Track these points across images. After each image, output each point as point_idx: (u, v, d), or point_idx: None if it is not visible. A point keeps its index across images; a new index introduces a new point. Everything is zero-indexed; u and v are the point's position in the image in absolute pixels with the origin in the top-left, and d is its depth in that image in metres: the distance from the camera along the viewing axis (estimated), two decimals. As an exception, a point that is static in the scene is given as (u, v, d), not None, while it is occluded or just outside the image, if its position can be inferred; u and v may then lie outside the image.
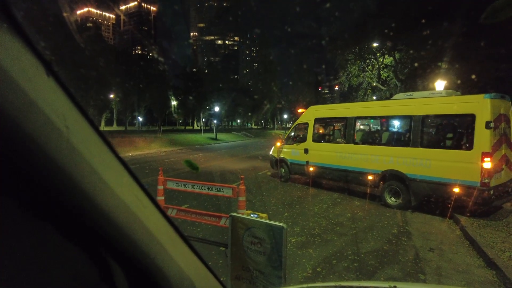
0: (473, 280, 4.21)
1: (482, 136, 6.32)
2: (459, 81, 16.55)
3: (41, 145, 0.48)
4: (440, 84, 13.43)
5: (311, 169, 9.92)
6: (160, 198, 5.90)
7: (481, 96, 6.53)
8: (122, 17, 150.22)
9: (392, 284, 1.20)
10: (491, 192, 6.27)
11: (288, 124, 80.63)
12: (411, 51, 22.39)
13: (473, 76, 16.07)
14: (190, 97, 50.69)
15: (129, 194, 0.69)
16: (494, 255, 4.64)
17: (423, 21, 18.82)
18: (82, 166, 0.55)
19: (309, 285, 1.54)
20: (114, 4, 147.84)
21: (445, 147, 7.21)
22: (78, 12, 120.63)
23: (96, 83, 31.45)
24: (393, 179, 7.83)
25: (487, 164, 6.22)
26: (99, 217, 0.61)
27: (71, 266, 0.65)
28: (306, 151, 10.15)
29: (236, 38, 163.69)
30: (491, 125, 6.26)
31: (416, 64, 21.64)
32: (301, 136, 10.70)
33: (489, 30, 16.37)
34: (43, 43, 23.89)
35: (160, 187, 5.92)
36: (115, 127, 55.67)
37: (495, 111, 6.50)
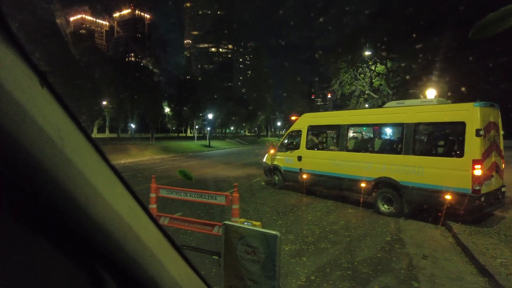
0: (466, 287, 4.22)
1: (473, 144, 6.41)
2: (449, 93, 16.92)
3: (35, 157, 0.47)
4: (431, 93, 13.64)
5: (304, 176, 9.93)
6: (153, 206, 5.85)
7: (471, 104, 6.64)
8: (116, 24, 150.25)
9: None
10: (482, 199, 6.33)
11: (282, 132, 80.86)
12: (402, 63, 22.89)
13: (463, 89, 16.45)
14: (184, 105, 50.64)
15: (123, 204, 0.68)
16: (486, 262, 4.67)
17: (414, 34, 19.30)
18: (77, 178, 0.55)
19: None
20: (108, 11, 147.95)
21: (437, 154, 7.29)
22: (72, 19, 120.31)
23: (89, 90, 31.24)
24: (386, 187, 7.87)
25: (478, 171, 6.30)
26: (92, 228, 0.61)
27: (62, 277, 0.63)
28: (299, 158, 10.17)
29: (230, 47, 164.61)
30: (481, 132, 6.35)
31: (407, 77, 22.10)
32: (294, 143, 10.73)
33: (478, 44, 16.82)
34: (38, 54, 23.75)
35: (153, 195, 5.87)
36: (107, 134, 55.20)
37: (485, 119, 6.61)
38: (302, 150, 10.19)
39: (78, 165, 0.55)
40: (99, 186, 0.60)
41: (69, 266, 0.64)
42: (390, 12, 23.95)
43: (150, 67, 47.48)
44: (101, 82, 32.38)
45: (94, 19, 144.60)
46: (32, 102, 0.47)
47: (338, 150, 9.19)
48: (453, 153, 6.87)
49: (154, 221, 0.80)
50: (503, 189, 7.32)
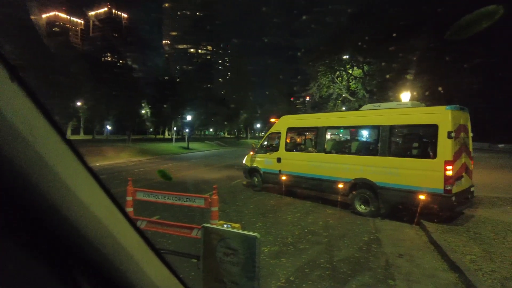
0: (439, 283, 4.37)
1: (445, 146, 6.66)
2: (427, 93, 17.46)
3: (4, 155, 0.45)
4: (405, 96, 14.08)
5: (284, 178, 9.99)
6: (130, 210, 5.71)
7: (443, 107, 6.90)
8: (91, 23, 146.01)
9: None
10: (454, 198, 6.58)
11: (262, 134, 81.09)
12: (383, 63, 23.48)
13: (440, 88, 17.02)
14: (162, 106, 49.82)
15: (100, 207, 0.66)
16: (457, 258, 4.86)
17: (392, 35, 19.83)
18: (51, 178, 0.52)
19: None
20: (83, 9, 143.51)
21: (411, 156, 7.52)
22: (44, 16, 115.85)
23: (61, 89, 30.09)
24: (363, 187, 8.04)
25: (449, 172, 6.55)
26: (68, 230, 0.58)
27: (36, 281, 0.60)
28: (279, 160, 10.23)
29: (210, 48, 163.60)
30: (452, 135, 6.61)
31: (387, 76, 22.67)
32: (274, 145, 10.79)
33: (453, 46, 17.49)
34: (9, 47, 22.64)
35: (129, 198, 5.73)
36: (82, 136, 53.47)
37: (456, 122, 6.88)
38: (282, 152, 10.25)
39: (52, 164, 0.52)
40: (76, 187, 0.58)
41: (43, 268, 0.61)
42: (367, 15, 24.58)
43: (127, 67, 46.42)
44: (74, 81, 31.23)
45: (69, 17, 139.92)
46: (0, 96, 0.44)
47: (316, 152, 9.31)
48: (426, 155, 7.11)
49: (133, 224, 0.78)
50: (472, 189, 7.65)
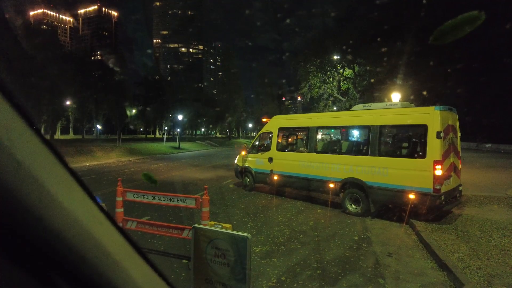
0: (427, 281, 4.43)
1: (434, 146, 6.74)
2: (412, 97, 17.80)
3: None
4: (395, 96, 14.24)
5: (275, 177, 10.00)
6: (119, 210, 5.63)
7: (432, 108, 6.99)
8: (81, 21, 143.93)
9: None
10: (442, 197, 6.67)
11: (253, 134, 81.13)
12: (368, 67, 23.83)
13: (424, 92, 17.35)
14: (152, 106, 49.37)
15: (82, 209, 0.64)
16: (445, 257, 4.93)
17: (379, 39, 20.16)
18: (28, 182, 0.50)
19: None
20: (73, 7, 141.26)
21: (401, 155, 7.60)
22: (32, 13, 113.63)
23: (51, 89, 29.56)
24: (353, 187, 8.10)
25: (438, 171, 6.63)
26: (46, 234, 0.56)
27: (12, 286, 0.58)
28: (270, 160, 10.23)
29: (201, 47, 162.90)
30: (441, 135, 6.70)
31: (372, 80, 23.02)
32: (265, 145, 10.79)
33: (438, 50, 17.87)
34: None
35: (119, 199, 5.65)
36: (71, 136, 52.78)
37: (444, 122, 6.98)
38: (273, 151, 10.26)
39: (30, 168, 0.51)
40: (55, 190, 0.56)
41: (20, 274, 0.59)
42: (356, 17, 24.89)
43: (116, 66, 45.81)
44: (63, 80, 30.64)
45: (57, 15, 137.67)
46: None
47: (307, 152, 9.34)
48: (415, 155, 7.19)
49: (117, 226, 0.76)
50: (460, 188, 7.78)
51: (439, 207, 6.81)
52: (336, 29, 27.38)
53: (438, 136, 6.66)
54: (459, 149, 7.86)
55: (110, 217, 0.73)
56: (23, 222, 0.52)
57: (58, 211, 0.57)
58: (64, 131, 54.70)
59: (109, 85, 40.97)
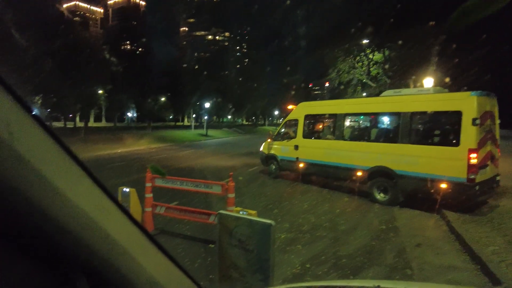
0: (458, 274, 4.28)
1: (469, 133, 6.42)
2: (447, 79, 16.89)
3: None
4: (428, 82, 13.59)
5: (301, 165, 9.95)
6: (149, 196, 5.83)
7: (467, 93, 6.63)
8: (111, 11, 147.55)
9: (376, 283, 1.19)
10: (477, 187, 6.38)
11: (279, 120, 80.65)
12: (398, 53, 22.90)
13: (447, 80, 16.56)
14: (180, 94, 50.25)
15: (90, 201, 0.64)
16: (479, 250, 4.73)
17: (411, 22, 19.36)
18: (30, 176, 0.50)
19: (294, 285, 1.52)
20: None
21: (432, 143, 7.30)
22: (65, 6, 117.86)
23: (85, 79, 30.78)
24: (382, 175, 7.90)
25: (473, 160, 6.33)
26: (52, 228, 0.56)
27: (29, 283, 0.60)
28: (296, 147, 10.16)
29: (227, 34, 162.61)
30: (477, 122, 6.36)
31: (404, 63, 22.11)
32: (291, 132, 10.71)
33: (480, 31, 16.83)
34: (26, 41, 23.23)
35: (148, 185, 5.84)
36: (104, 124, 54.88)
37: (481, 109, 6.60)
38: (299, 139, 10.17)
39: (32, 161, 0.50)
40: (59, 182, 0.56)
41: (36, 270, 0.60)
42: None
43: (145, 55, 46.85)
44: (97, 71, 31.80)
45: (89, 6, 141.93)
46: None
47: (334, 139, 9.19)
48: (449, 142, 6.89)
49: (130, 217, 0.76)
50: (497, 178, 7.38)
51: (474, 197, 6.52)
52: (365, 11, 26.25)
53: (474, 123, 6.33)
54: (497, 136, 7.43)
55: (121, 207, 0.73)
56: (28, 217, 0.53)
57: (63, 204, 0.57)
58: (97, 119, 56.98)
59: (139, 74, 42.02)
